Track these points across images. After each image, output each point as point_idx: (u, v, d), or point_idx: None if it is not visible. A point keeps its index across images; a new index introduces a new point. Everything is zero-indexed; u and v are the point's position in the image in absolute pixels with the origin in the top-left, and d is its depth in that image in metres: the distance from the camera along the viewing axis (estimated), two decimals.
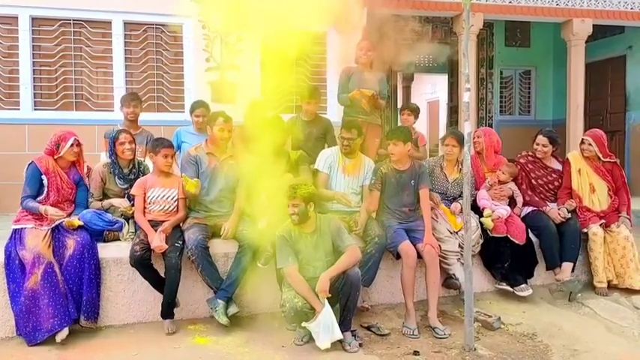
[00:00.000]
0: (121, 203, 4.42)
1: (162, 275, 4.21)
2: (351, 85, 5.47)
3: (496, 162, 5.30)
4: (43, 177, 4.21)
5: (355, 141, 4.79)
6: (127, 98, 5.35)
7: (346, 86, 5.53)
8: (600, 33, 8.76)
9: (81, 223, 4.17)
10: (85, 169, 4.54)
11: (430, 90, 15.84)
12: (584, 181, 5.26)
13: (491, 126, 10.08)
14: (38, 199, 4.20)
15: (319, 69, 7.08)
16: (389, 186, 4.61)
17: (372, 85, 5.40)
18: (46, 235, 3.99)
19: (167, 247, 4.09)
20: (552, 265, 5.03)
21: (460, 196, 4.95)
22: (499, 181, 5.13)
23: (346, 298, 3.84)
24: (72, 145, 4.25)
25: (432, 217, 4.70)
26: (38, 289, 3.78)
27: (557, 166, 5.43)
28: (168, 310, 4.15)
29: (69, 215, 4.23)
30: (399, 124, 6.55)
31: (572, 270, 5.07)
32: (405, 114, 6.27)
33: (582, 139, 5.38)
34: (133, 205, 4.42)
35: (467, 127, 3.81)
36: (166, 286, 4.12)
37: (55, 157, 4.26)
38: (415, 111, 6.29)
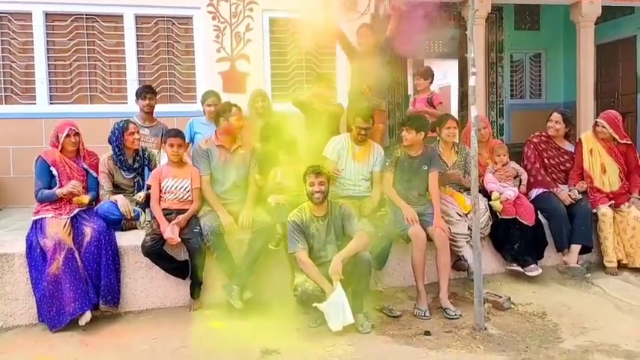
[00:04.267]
0: (124, 205, 4.42)
1: (179, 260, 4.35)
2: (351, 72, 5.56)
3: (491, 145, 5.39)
4: (52, 169, 4.34)
5: (370, 130, 4.86)
6: (142, 91, 5.46)
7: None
8: (610, 14, 8.67)
9: (89, 198, 4.36)
10: (92, 158, 4.62)
11: (441, 76, 15.72)
12: (596, 162, 5.28)
13: (501, 110, 10.10)
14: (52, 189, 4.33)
15: (329, 57, 7.12)
16: (401, 170, 4.69)
17: (372, 73, 5.44)
18: (65, 223, 4.13)
19: (179, 239, 4.20)
20: (561, 247, 5.09)
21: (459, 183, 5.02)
22: (502, 164, 5.19)
23: (357, 282, 3.94)
24: (68, 134, 4.35)
25: (442, 201, 4.77)
26: (60, 274, 3.92)
27: (570, 147, 5.46)
28: (195, 290, 4.36)
29: None
30: (414, 92, 6.68)
31: (588, 252, 5.13)
32: (420, 80, 6.40)
33: (596, 121, 5.39)
34: (145, 194, 4.54)
35: (473, 110, 3.85)
36: (192, 270, 4.30)
37: (59, 148, 4.38)
38: (425, 74, 6.40)
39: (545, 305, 4.37)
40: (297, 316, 4.12)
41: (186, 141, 5.27)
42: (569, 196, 5.13)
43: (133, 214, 4.45)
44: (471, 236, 4.52)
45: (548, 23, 10.22)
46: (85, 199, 4.33)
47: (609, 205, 5.14)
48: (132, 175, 4.64)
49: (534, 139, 5.48)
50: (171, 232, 4.19)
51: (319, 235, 4.07)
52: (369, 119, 4.81)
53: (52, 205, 4.26)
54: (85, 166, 4.51)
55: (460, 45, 9.74)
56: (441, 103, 6.48)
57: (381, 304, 4.39)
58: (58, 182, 4.34)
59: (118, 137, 4.57)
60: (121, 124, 4.61)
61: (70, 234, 4.10)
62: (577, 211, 5.07)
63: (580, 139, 5.44)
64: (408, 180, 4.69)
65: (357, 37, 5.58)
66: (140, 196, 4.53)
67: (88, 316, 3.97)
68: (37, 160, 4.40)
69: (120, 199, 4.46)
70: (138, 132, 4.62)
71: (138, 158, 4.68)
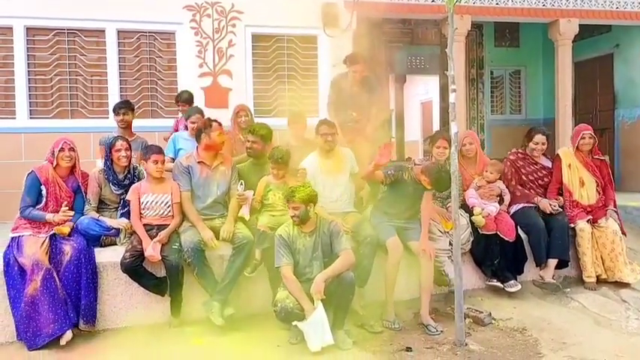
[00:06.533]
0: (120, 224, 4.44)
1: (159, 277, 4.31)
2: (339, 100, 5.59)
3: (483, 163, 5.36)
4: (42, 187, 4.27)
5: (336, 135, 4.79)
6: (117, 107, 5.44)
7: (334, 99, 5.67)
8: (587, 32, 8.88)
9: (70, 226, 4.26)
10: (85, 179, 4.56)
11: (423, 91, 15.90)
12: (574, 176, 5.38)
13: (482, 126, 10.22)
14: (37, 207, 4.26)
15: (310, 72, 7.16)
16: (400, 189, 4.57)
17: (361, 101, 5.49)
18: (44, 242, 4.07)
19: (159, 257, 4.17)
20: (540, 262, 5.14)
21: (448, 197, 5.03)
22: (487, 181, 5.19)
23: (339, 300, 3.93)
24: (62, 149, 4.30)
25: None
26: (38, 296, 3.85)
27: (547, 163, 5.55)
28: (175, 307, 4.31)
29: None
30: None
31: (564, 266, 5.19)
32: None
33: (582, 134, 5.39)
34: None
35: (453, 127, 3.90)
36: (171, 287, 4.26)
37: (54, 165, 4.32)
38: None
39: (525, 320, 4.41)
40: (278, 332, 4.09)
41: (170, 156, 5.28)
42: (550, 204, 5.19)
43: (126, 224, 4.41)
44: (452, 252, 4.54)
45: (528, 41, 10.42)
46: (66, 229, 4.23)
47: (587, 221, 5.21)
48: (120, 191, 4.57)
49: (511, 157, 5.55)
50: (152, 250, 4.16)
51: (305, 251, 4.06)
52: (333, 125, 4.79)
53: (32, 223, 4.21)
54: (80, 184, 4.46)
55: (441, 61, 9.88)
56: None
57: (361, 320, 4.36)
58: (44, 201, 4.28)
59: (106, 153, 4.56)
60: (109, 141, 4.59)
61: (47, 253, 4.04)
62: (554, 225, 5.13)
63: (558, 155, 5.53)
64: (402, 201, 4.60)
65: (350, 67, 5.57)
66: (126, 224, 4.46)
67: (69, 335, 3.90)
68: (29, 174, 4.31)
69: (113, 221, 4.45)
70: (126, 149, 4.56)
71: (129, 175, 4.63)
